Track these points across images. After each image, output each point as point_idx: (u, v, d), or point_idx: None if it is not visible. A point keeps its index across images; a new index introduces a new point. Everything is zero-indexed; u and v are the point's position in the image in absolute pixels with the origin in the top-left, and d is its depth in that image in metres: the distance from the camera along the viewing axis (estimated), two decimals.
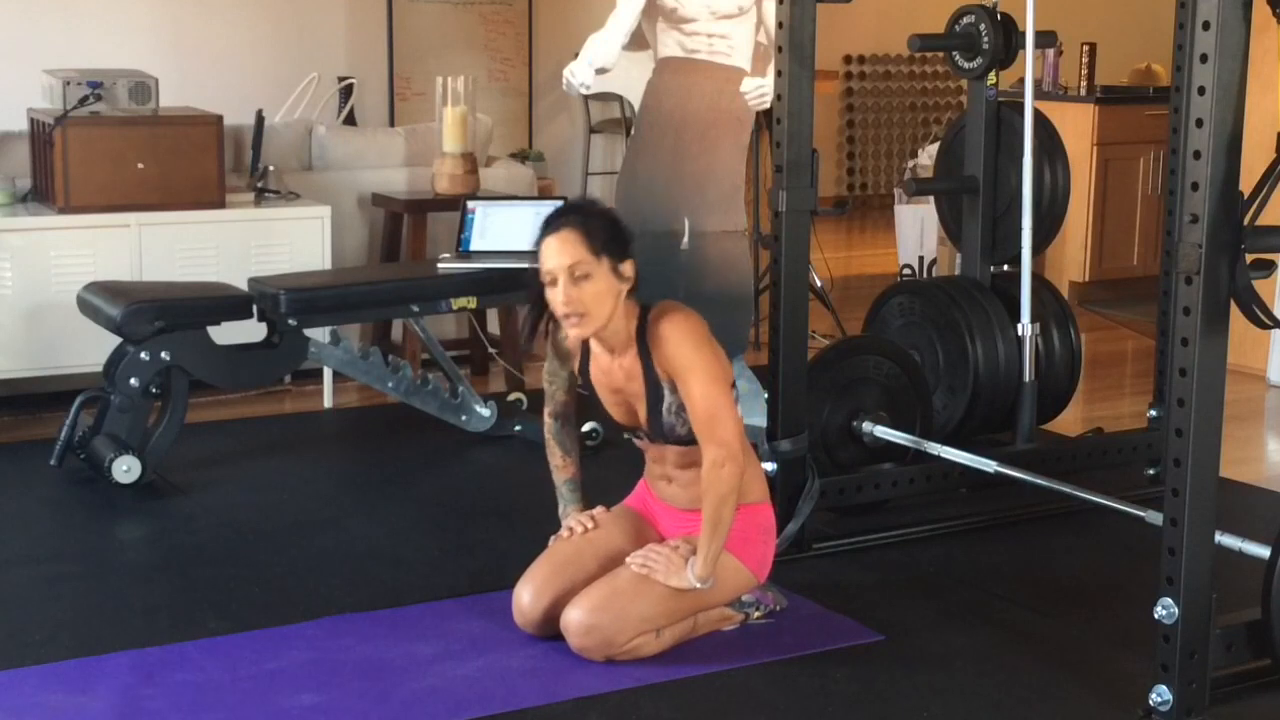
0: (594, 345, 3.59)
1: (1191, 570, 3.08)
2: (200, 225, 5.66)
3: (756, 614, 3.69)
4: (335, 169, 6.35)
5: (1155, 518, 3.38)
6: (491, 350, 6.19)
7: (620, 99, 9.77)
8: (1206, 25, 2.89)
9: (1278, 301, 5.95)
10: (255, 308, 4.94)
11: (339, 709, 3.25)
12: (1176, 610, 3.08)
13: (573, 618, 3.45)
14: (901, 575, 4.08)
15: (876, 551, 4.23)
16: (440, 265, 5.21)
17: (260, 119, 6.06)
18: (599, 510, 3.72)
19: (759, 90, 5.27)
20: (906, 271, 7.67)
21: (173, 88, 6.64)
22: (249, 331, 5.02)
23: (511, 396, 5.58)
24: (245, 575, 4.04)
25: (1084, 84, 8.09)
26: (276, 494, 4.78)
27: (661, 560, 3.50)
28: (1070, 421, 5.36)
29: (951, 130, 5.06)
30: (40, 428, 5.34)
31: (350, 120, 8.65)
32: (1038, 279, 4.87)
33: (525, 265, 5.12)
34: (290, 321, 4.90)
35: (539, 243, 3.48)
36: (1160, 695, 3.13)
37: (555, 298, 3.44)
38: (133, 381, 4.72)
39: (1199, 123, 2.92)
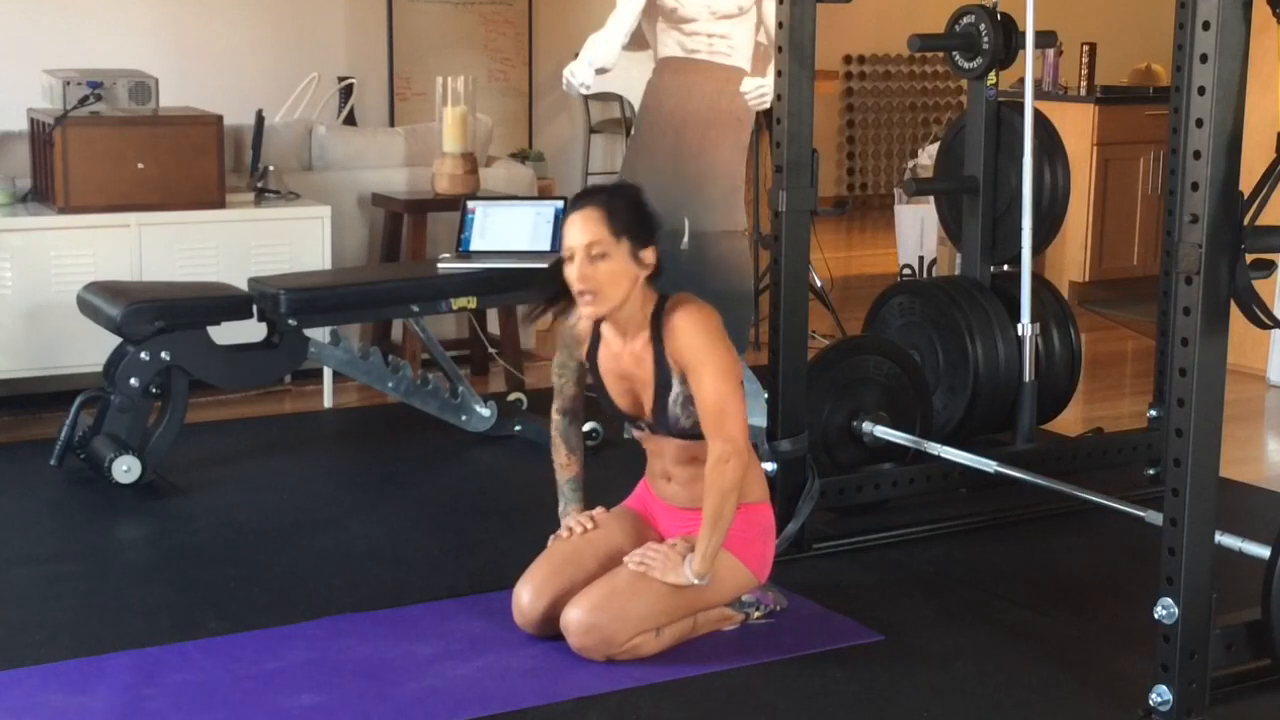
0: (605, 330, 3.60)
1: (1191, 570, 3.08)
2: (200, 225, 5.66)
3: (756, 614, 3.69)
4: (335, 169, 6.35)
5: (1155, 518, 3.37)
6: (491, 350, 6.18)
7: (620, 99, 9.77)
8: (1206, 25, 2.89)
9: (1278, 301, 5.95)
10: (255, 308, 4.94)
11: (339, 709, 3.25)
12: (1176, 610, 3.08)
13: (572, 617, 3.45)
14: (901, 575, 4.08)
15: (876, 551, 4.23)
16: (440, 265, 5.21)
17: (260, 119, 6.06)
18: (599, 511, 3.72)
19: (759, 90, 5.27)
20: (906, 271, 7.67)
21: (173, 88, 6.64)
22: (249, 331, 5.02)
23: (511, 396, 5.58)
24: (245, 575, 4.04)
25: (1084, 84, 8.09)
26: (276, 494, 4.78)
27: (659, 558, 3.50)
28: (1070, 421, 5.36)
29: (951, 130, 5.06)
30: (40, 428, 5.34)
31: (350, 120, 8.65)
32: (1038, 279, 4.87)
33: (525, 265, 5.16)
34: (290, 321, 4.90)
35: (564, 217, 3.52)
36: (1160, 695, 3.13)
37: (571, 274, 3.47)
38: (133, 381, 4.72)
39: (1199, 123, 2.92)
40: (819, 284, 6.58)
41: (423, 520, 4.51)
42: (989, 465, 4.29)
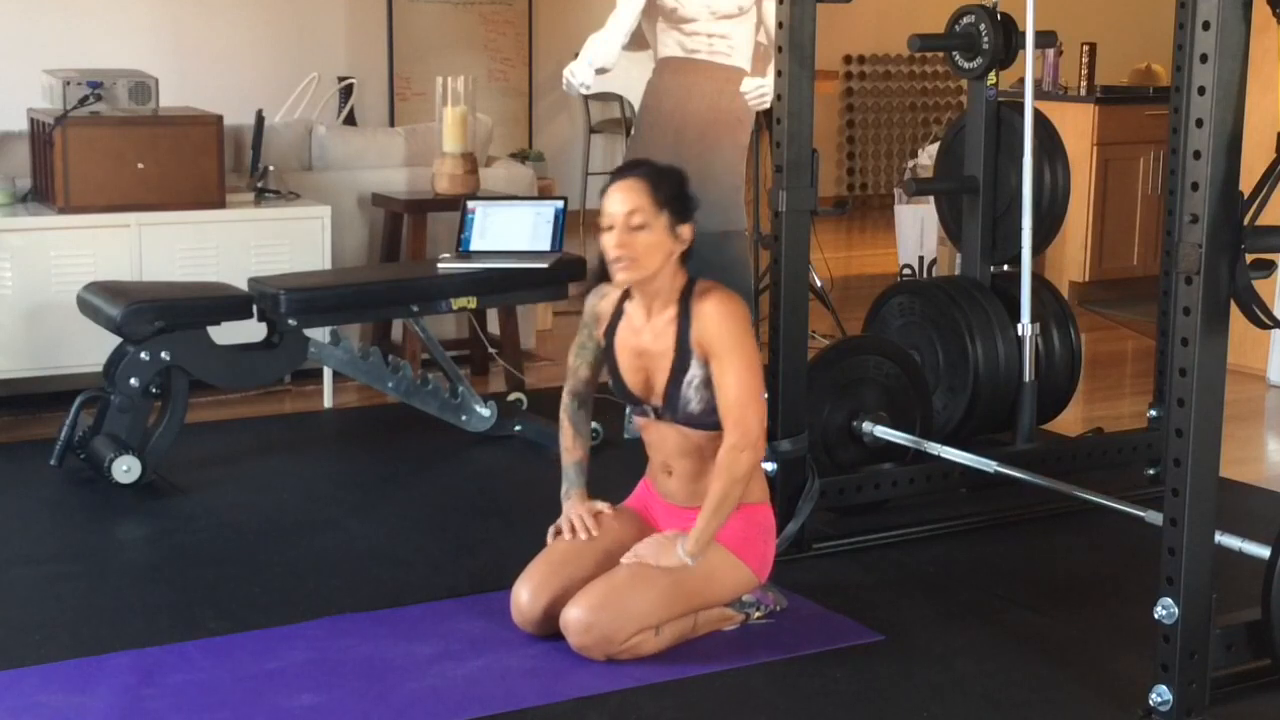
0: (629, 307, 3.62)
1: (1191, 570, 3.08)
2: (200, 225, 5.66)
3: (756, 614, 3.69)
4: (335, 169, 6.35)
5: (1155, 518, 3.38)
6: (491, 350, 6.18)
7: (620, 99, 9.79)
8: (1206, 25, 2.89)
9: (1278, 301, 5.95)
10: (255, 308, 4.94)
11: (339, 709, 3.25)
12: (1176, 610, 3.08)
13: (572, 615, 3.45)
14: (901, 575, 4.08)
15: (876, 551, 4.23)
16: (440, 265, 5.21)
17: (260, 119, 6.06)
18: (602, 507, 3.71)
19: (759, 90, 5.26)
20: (906, 271, 7.68)
21: (173, 88, 6.64)
22: (249, 331, 5.02)
23: (511, 396, 5.58)
24: (245, 575, 4.04)
25: (1084, 84, 8.09)
26: (276, 494, 4.78)
27: (651, 545, 3.52)
28: (1070, 421, 5.36)
29: (951, 130, 5.06)
30: (40, 428, 5.34)
31: (350, 120, 8.66)
32: (1038, 279, 4.87)
33: (525, 265, 5.16)
34: (290, 321, 4.90)
35: (605, 189, 3.55)
36: (1160, 695, 3.13)
37: (608, 241, 3.49)
38: (133, 381, 4.72)
39: (1199, 123, 2.92)
40: (819, 284, 6.58)
41: (423, 520, 4.51)
42: (989, 465, 4.29)
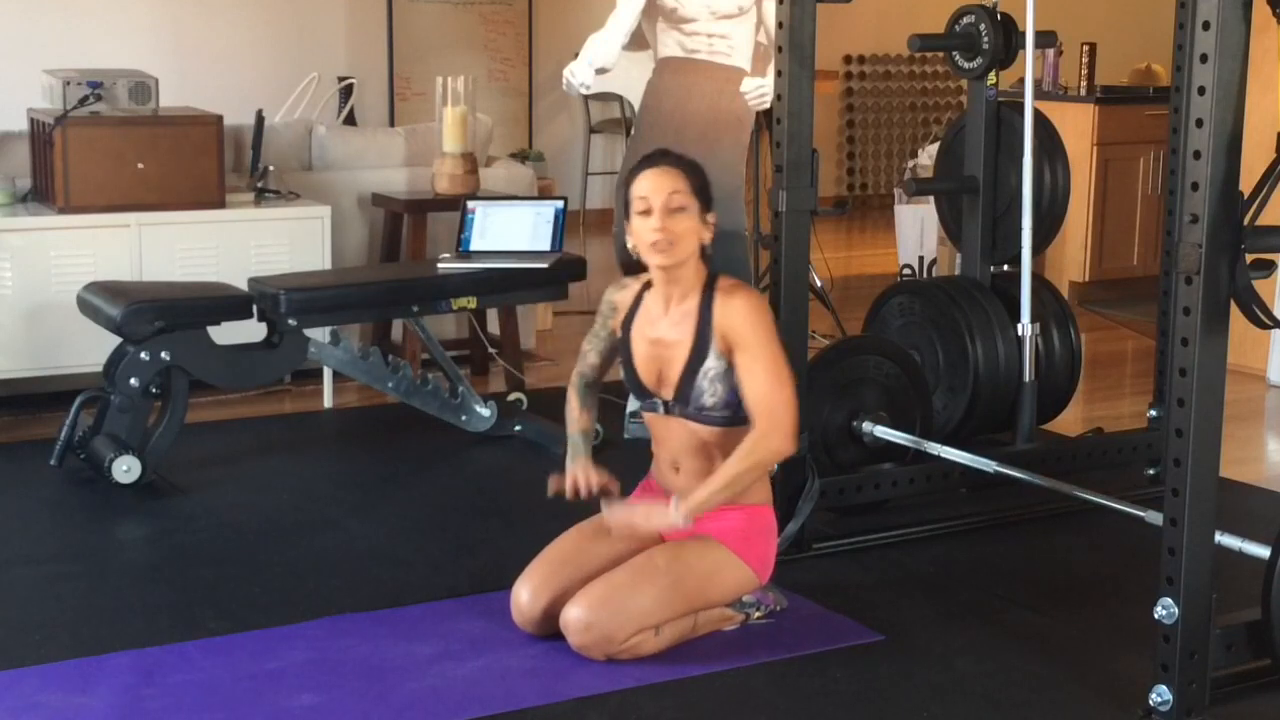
0: (648, 298, 3.62)
1: (1191, 570, 3.08)
2: (200, 225, 5.66)
3: (757, 614, 3.69)
4: (335, 169, 6.35)
5: (1155, 518, 3.38)
6: (491, 350, 6.18)
7: (620, 99, 9.79)
8: (1206, 25, 2.89)
9: (1278, 301, 5.95)
10: (255, 308, 4.94)
11: (339, 709, 3.25)
12: (1176, 610, 3.08)
13: (572, 615, 3.45)
14: (901, 575, 4.08)
15: (876, 551, 4.23)
16: (440, 265, 5.21)
17: (260, 119, 6.06)
18: (608, 478, 3.68)
19: (759, 90, 5.26)
20: (906, 271, 7.68)
21: (173, 88, 6.64)
22: (249, 331, 5.02)
23: (511, 396, 5.58)
24: (245, 575, 4.04)
25: (1084, 84, 8.09)
26: (276, 494, 4.78)
27: (641, 509, 3.54)
28: (1070, 421, 5.36)
29: (951, 130, 5.06)
30: (40, 428, 5.34)
31: (350, 120, 8.66)
32: (1038, 279, 4.87)
33: (525, 265, 5.16)
34: (290, 321, 4.90)
35: (632, 177, 3.55)
36: (1160, 695, 3.13)
37: (646, 225, 3.49)
38: (133, 381, 4.72)
39: (1199, 123, 2.92)
40: (819, 284, 6.58)
41: (423, 520, 4.51)
42: (989, 465, 4.29)
